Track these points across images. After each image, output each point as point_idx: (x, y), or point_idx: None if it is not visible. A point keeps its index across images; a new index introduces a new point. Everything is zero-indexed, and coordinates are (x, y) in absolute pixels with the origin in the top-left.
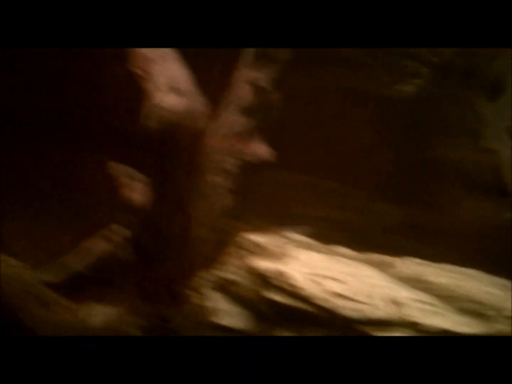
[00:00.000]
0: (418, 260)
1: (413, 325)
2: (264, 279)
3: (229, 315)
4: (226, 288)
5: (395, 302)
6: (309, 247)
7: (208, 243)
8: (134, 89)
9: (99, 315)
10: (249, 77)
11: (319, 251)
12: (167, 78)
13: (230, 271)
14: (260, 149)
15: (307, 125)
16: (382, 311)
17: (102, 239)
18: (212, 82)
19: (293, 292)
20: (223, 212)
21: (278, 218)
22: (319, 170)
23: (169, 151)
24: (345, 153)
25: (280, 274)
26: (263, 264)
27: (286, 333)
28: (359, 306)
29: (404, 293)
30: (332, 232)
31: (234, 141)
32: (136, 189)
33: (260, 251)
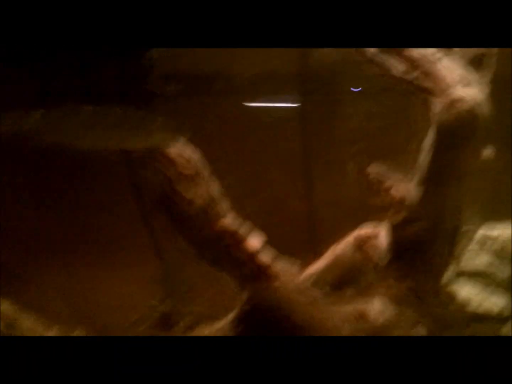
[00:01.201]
0: None
1: None
2: None
3: (485, 302)
4: (475, 278)
5: None
6: None
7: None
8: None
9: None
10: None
11: None
12: (452, 74)
13: (476, 264)
14: None
15: None
16: None
17: (350, 245)
18: None
19: None
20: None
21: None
22: None
23: (458, 143)
24: None
25: None
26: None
27: None
28: None
29: None
30: None
31: None
32: (399, 189)
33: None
